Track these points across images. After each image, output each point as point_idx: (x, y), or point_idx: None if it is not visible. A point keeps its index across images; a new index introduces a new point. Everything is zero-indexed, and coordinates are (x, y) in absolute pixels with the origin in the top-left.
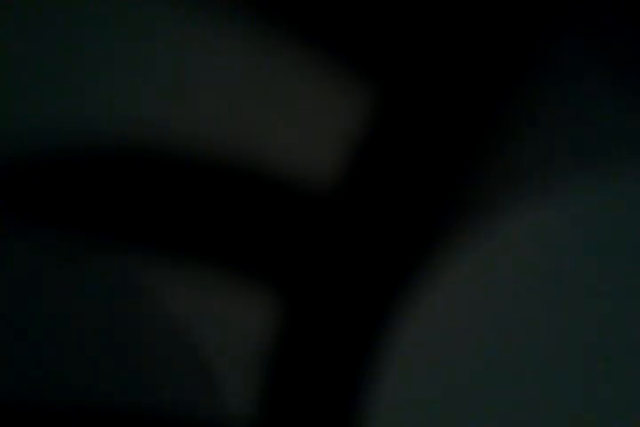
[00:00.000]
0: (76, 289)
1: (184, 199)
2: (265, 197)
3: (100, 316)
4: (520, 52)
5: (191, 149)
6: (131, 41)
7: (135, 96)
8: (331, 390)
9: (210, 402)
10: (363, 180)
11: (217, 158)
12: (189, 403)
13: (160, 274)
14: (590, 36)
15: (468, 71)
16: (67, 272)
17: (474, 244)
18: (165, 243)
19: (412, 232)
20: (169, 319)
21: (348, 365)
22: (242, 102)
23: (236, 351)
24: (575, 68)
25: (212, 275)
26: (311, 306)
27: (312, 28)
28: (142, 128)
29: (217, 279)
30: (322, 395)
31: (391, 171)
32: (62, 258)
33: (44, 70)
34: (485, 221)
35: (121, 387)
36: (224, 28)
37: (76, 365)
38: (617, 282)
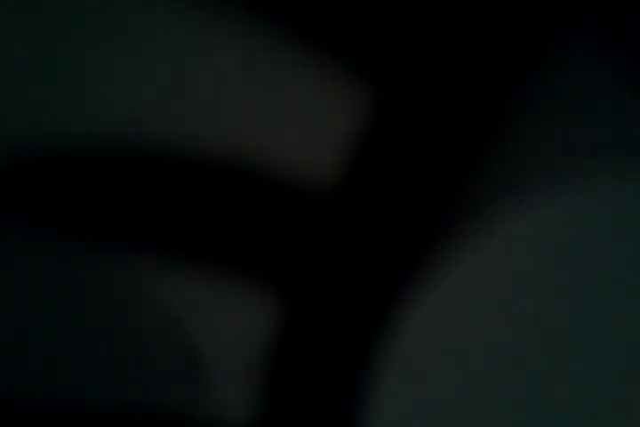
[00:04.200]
0: (76, 289)
1: (184, 199)
2: (265, 197)
3: (100, 316)
4: (521, 52)
5: (191, 150)
6: (130, 41)
7: (135, 96)
8: (331, 390)
9: (209, 402)
10: (363, 180)
11: (217, 159)
12: (189, 403)
13: (160, 274)
14: (593, 36)
15: (468, 71)
16: (67, 272)
17: (474, 244)
18: (165, 243)
19: (413, 232)
20: (168, 319)
21: (349, 365)
22: (242, 102)
23: (236, 351)
24: (576, 67)
25: (212, 275)
26: (311, 306)
27: (312, 28)
28: (142, 128)
29: (217, 279)
30: (322, 395)
31: (391, 171)
32: (62, 258)
33: (43, 70)
34: (485, 221)
35: (118, 387)
36: (224, 28)
37: (75, 365)
38: (617, 282)
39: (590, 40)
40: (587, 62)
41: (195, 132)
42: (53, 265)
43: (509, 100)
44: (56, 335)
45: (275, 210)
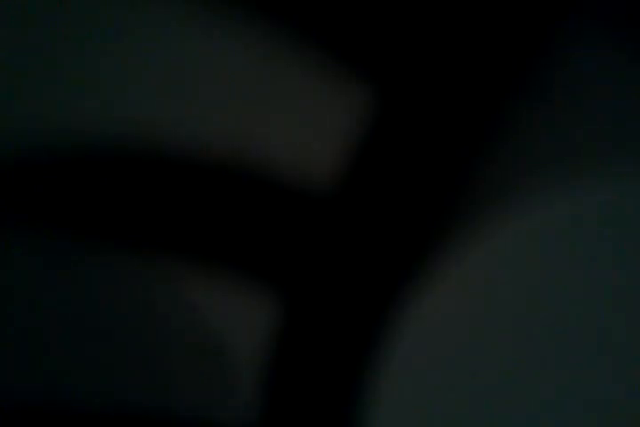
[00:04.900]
0: (76, 289)
1: (184, 199)
2: (265, 197)
3: (99, 317)
4: (522, 52)
5: (191, 150)
6: (131, 41)
7: (135, 96)
8: (331, 389)
9: (209, 402)
10: (363, 180)
11: (217, 159)
12: (188, 403)
13: (159, 274)
14: (593, 35)
15: (468, 72)
16: (66, 272)
17: (474, 244)
18: (165, 243)
19: (412, 232)
20: (168, 320)
21: (349, 364)
22: (242, 102)
23: (236, 351)
24: (576, 67)
25: (211, 275)
26: (311, 306)
27: (312, 28)
28: (142, 128)
29: (217, 279)
30: (322, 395)
31: (391, 171)
32: (62, 258)
33: (43, 70)
34: (485, 221)
35: (119, 387)
36: (224, 29)
37: (75, 366)
38: (617, 282)
39: (589, 40)
40: (586, 62)
41: (194, 132)
42: (53, 265)
43: (510, 99)
44: (56, 336)
45: (275, 210)
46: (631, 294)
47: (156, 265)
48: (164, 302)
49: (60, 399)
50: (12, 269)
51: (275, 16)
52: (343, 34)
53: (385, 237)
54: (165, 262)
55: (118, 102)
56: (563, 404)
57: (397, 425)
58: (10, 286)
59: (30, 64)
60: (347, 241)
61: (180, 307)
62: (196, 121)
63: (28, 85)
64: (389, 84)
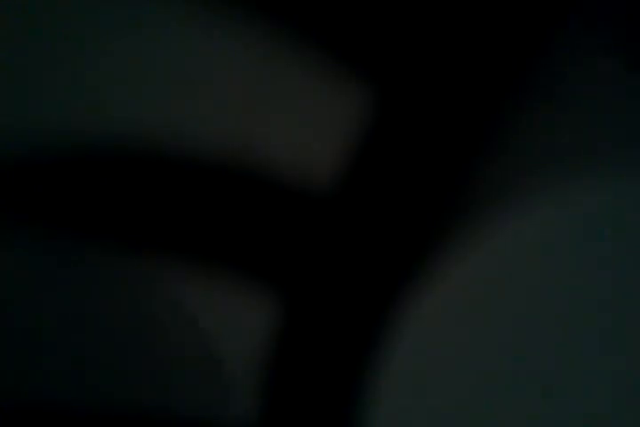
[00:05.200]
0: (76, 289)
1: (184, 200)
2: (264, 197)
3: (99, 317)
4: (522, 51)
5: (190, 150)
6: (131, 41)
7: (135, 96)
8: (331, 390)
9: (209, 402)
10: (363, 180)
11: (216, 159)
12: (188, 403)
13: (159, 274)
14: (594, 35)
15: (468, 71)
16: (66, 272)
17: (474, 244)
18: (164, 243)
19: (412, 232)
20: (168, 320)
21: (349, 365)
22: (242, 102)
23: (236, 352)
24: (576, 67)
25: (211, 275)
26: (311, 306)
27: (312, 27)
28: (142, 128)
29: (217, 279)
30: (322, 395)
31: (391, 171)
32: (62, 258)
33: (43, 70)
34: (485, 221)
35: (119, 387)
36: (224, 29)
37: (76, 366)
38: (617, 282)
39: (590, 40)
40: (586, 63)
41: (194, 132)
42: (53, 265)
43: (510, 99)
44: (57, 337)
45: (274, 210)
46: (631, 293)
47: (156, 265)
48: (163, 302)
49: (60, 399)
50: (12, 268)
51: (275, 16)
52: (343, 34)
53: (385, 237)
54: (165, 263)
55: (118, 102)
56: (563, 404)
57: (397, 425)
58: (10, 286)
59: (30, 64)
60: (347, 241)
61: (180, 307)
62: (196, 121)
63: (28, 85)
64: (389, 84)
